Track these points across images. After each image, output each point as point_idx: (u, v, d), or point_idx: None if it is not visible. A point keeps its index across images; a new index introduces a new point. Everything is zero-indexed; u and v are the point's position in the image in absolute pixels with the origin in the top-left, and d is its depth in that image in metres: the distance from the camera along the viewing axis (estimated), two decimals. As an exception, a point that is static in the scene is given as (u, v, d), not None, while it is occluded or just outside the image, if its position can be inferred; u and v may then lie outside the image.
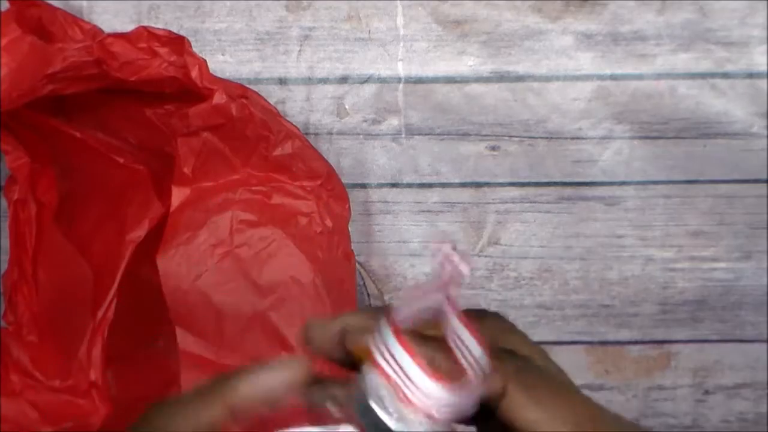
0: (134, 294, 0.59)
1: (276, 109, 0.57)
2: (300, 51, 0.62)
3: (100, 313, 0.58)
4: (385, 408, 0.25)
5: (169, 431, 0.26)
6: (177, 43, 0.53)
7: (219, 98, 0.54)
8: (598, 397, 0.63)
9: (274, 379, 0.27)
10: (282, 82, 0.62)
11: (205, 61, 0.53)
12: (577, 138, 0.62)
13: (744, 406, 0.63)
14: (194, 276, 0.56)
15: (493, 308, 0.63)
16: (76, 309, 0.58)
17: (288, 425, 0.25)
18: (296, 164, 0.57)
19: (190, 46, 0.53)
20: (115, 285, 0.58)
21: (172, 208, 0.55)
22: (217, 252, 0.56)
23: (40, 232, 0.57)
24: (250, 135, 0.55)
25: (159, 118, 0.56)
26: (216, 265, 0.57)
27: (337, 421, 0.26)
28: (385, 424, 0.25)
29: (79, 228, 0.58)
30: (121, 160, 0.58)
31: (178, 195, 0.56)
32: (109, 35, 0.53)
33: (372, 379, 0.26)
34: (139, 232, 0.57)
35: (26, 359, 0.56)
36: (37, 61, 0.50)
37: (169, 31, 0.53)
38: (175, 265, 0.56)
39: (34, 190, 0.57)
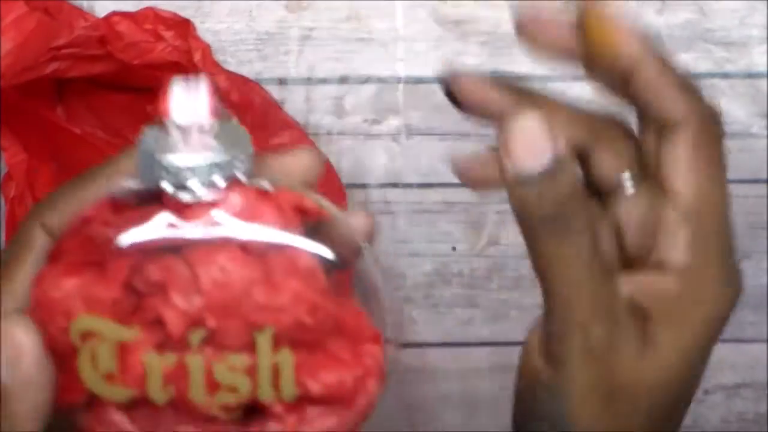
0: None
1: (276, 101, 0.57)
2: (300, 51, 0.62)
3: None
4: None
5: (54, 217, 0.29)
6: (182, 26, 0.53)
7: (221, 83, 0.54)
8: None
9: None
10: (282, 82, 0.62)
11: (209, 46, 0.53)
12: (577, 138, 0.62)
13: (744, 406, 0.63)
14: None
15: (492, 308, 0.63)
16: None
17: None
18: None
19: (195, 30, 0.53)
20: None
21: None
22: None
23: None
24: (250, 122, 0.55)
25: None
26: None
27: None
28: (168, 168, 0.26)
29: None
30: (121, 160, 0.58)
31: None
32: (116, 13, 0.53)
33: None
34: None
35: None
36: (43, 33, 0.50)
37: (176, 13, 0.54)
38: None
39: (32, 187, 0.57)
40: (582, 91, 0.63)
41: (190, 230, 0.26)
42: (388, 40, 0.62)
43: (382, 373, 0.28)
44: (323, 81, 0.62)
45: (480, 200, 0.62)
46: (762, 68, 0.62)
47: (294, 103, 0.62)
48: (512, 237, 0.63)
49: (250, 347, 0.26)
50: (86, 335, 0.26)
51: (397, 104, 0.62)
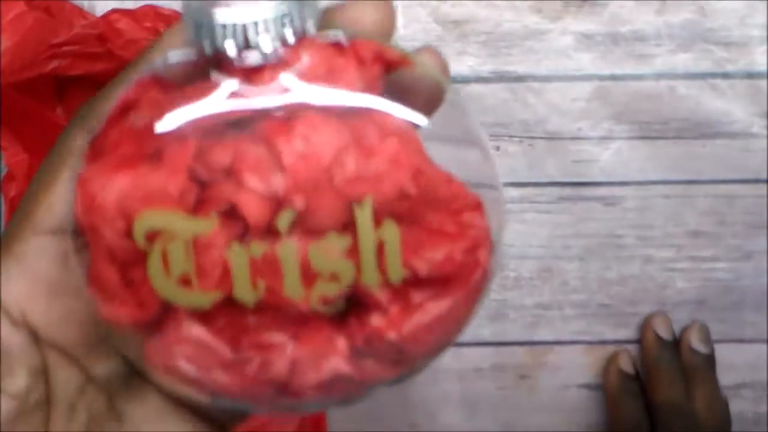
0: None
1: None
2: (300, 51, 0.62)
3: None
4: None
5: (97, 108, 0.24)
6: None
7: None
8: (598, 397, 0.63)
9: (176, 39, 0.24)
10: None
11: None
12: (577, 138, 0.62)
13: (744, 406, 0.63)
14: None
15: (492, 308, 0.63)
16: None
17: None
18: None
19: None
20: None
21: None
22: None
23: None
24: None
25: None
26: None
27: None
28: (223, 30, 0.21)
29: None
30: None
31: None
32: (115, 11, 0.53)
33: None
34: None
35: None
36: (42, 31, 0.50)
37: (176, 10, 0.54)
38: None
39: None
40: (582, 91, 0.63)
41: (260, 99, 0.22)
42: (388, 40, 0.62)
43: (491, 242, 0.23)
44: (323, 81, 0.62)
45: (480, 200, 0.62)
46: (762, 68, 0.62)
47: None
48: (512, 237, 0.63)
49: (349, 227, 0.22)
50: (153, 235, 0.21)
51: (397, 104, 0.62)
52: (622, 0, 0.62)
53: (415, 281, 0.23)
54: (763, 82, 0.62)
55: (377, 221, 0.22)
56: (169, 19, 0.54)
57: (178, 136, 0.22)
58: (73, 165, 0.24)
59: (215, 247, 0.21)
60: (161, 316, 0.22)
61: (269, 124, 0.22)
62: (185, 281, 0.22)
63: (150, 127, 0.22)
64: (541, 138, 0.62)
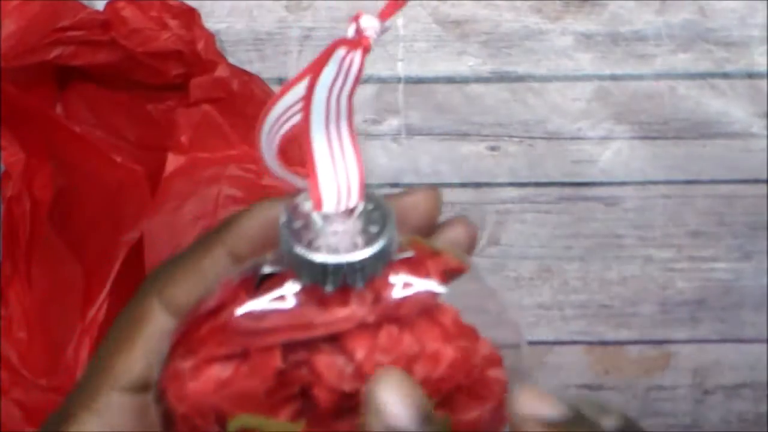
0: (128, 297, 0.59)
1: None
2: (300, 51, 0.62)
3: (90, 314, 0.57)
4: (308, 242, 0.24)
5: (174, 293, 0.27)
6: (188, 15, 0.53)
7: (222, 71, 0.54)
8: (598, 397, 0.63)
9: (270, 213, 0.27)
10: (282, 82, 0.62)
11: (213, 35, 0.53)
12: (577, 138, 0.62)
13: (744, 406, 0.63)
14: (174, 245, 0.56)
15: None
16: (67, 308, 0.58)
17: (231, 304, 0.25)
18: (292, 150, 0.57)
19: (200, 19, 0.54)
20: (108, 287, 0.57)
21: (165, 174, 0.55)
22: (200, 224, 0.56)
23: (33, 229, 0.57)
24: (250, 113, 0.55)
25: (160, 113, 0.57)
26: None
27: (278, 279, 0.25)
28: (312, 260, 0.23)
29: (73, 227, 0.58)
30: (119, 159, 0.58)
31: (173, 162, 0.56)
32: None
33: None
34: (134, 234, 0.57)
35: (15, 356, 0.56)
36: (47, 15, 0.50)
37: (182, 2, 0.54)
38: (158, 232, 0.55)
39: (29, 186, 0.57)
40: (582, 91, 0.63)
41: (348, 319, 0.24)
42: (388, 40, 0.62)
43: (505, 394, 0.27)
44: (323, 81, 0.62)
45: (480, 200, 0.62)
46: (762, 68, 0.62)
47: (294, 103, 0.62)
48: (512, 237, 0.63)
49: None
50: (245, 430, 0.24)
51: (397, 104, 0.62)
52: (622, 0, 0.62)
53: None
54: (763, 82, 0.62)
55: (437, 412, 0.24)
56: (174, 10, 0.54)
57: (267, 344, 0.24)
58: (148, 332, 0.27)
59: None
60: None
61: (352, 337, 0.24)
62: None
63: (239, 330, 0.24)
64: (541, 138, 0.62)
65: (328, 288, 0.23)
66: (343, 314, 0.24)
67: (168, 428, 0.25)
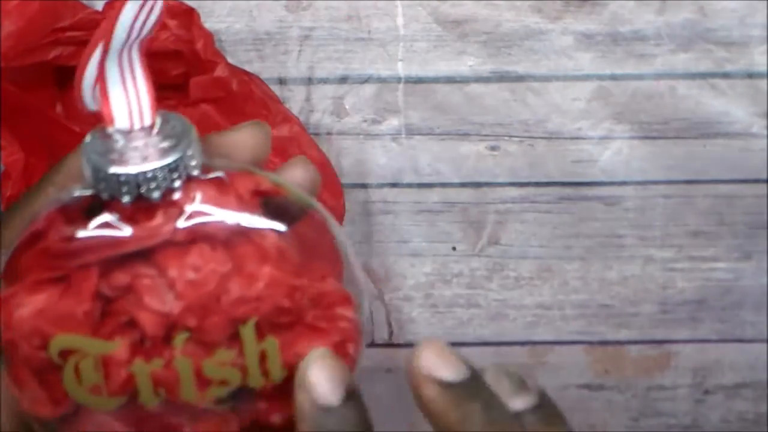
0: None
1: (276, 95, 0.57)
2: (300, 51, 0.62)
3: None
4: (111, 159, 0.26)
5: (6, 236, 0.28)
6: (187, 15, 0.53)
7: (221, 71, 0.54)
8: (598, 397, 0.63)
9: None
10: (282, 82, 0.62)
11: (212, 35, 0.53)
12: (577, 138, 0.62)
13: (744, 406, 0.63)
14: None
15: (492, 308, 0.63)
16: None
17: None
18: (292, 149, 0.57)
19: (200, 19, 0.53)
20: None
21: None
22: None
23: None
24: (249, 113, 0.55)
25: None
26: None
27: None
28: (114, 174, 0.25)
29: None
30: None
31: None
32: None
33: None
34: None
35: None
36: (46, 15, 0.50)
37: (181, 1, 0.54)
38: None
39: (29, 185, 0.57)
40: (582, 91, 0.63)
41: (154, 234, 0.25)
42: (388, 40, 0.62)
43: (359, 333, 0.27)
44: (323, 81, 0.62)
45: (480, 200, 0.62)
46: (762, 68, 0.62)
47: (294, 103, 0.62)
48: (512, 237, 0.63)
49: (235, 340, 0.26)
50: (66, 352, 0.25)
51: (397, 104, 0.62)
52: (623, 0, 0.62)
53: (292, 374, 0.26)
54: (763, 82, 0.62)
55: (260, 335, 0.26)
56: (173, 10, 0.54)
57: (84, 263, 0.25)
58: None
59: (121, 364, 0.25)
60: (76, 409, 0.26)
61: (164, 255, 0.25)
62: (96, 390, 0.26)
63: (58, 255, 0.26)
64: (542, 138, 0.62)
65: (125, 200, 0.25)
66: (149, 228, 0.25)
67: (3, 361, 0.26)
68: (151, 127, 0.26)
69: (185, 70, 0.55)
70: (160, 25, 0.53)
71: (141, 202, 0.25)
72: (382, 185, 0.62)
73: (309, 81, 0.62)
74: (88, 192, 0.26)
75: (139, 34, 0.26)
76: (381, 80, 0.62)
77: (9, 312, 0.26)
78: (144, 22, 0.26)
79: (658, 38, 0.62)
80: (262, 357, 0.26)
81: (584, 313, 0.63)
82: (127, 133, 0.26)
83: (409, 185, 0.62)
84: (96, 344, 0.25)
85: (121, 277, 0.25)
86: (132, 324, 0.25)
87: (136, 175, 0.25)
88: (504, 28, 0.62)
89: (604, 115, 0.62)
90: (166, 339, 0.26)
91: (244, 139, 0.28)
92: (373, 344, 0.64)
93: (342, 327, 0.27)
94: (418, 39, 0.62)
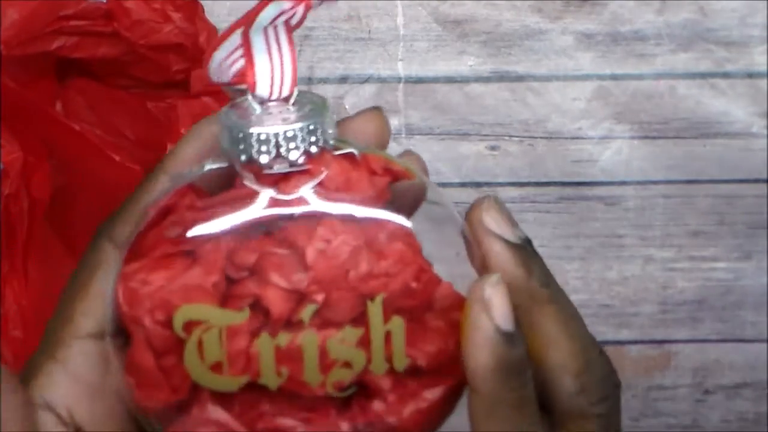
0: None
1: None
2: (300, 51, 0.62)
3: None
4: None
5: (123, 231, 0.27)
6: (191, 7, 0.53)
7: None
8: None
9: (205, 129, 0.28)
10: (282, 81, 0.62)
11: (215, 28, 0.53)
12: (577, 138, 0.62)
13: (744, 406, 0.63)
14: None
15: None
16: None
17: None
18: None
19: (203, 11, 0.53)
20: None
21: None
22: None
23: (31, 227, 0.56)
24: None
25: (161, 111, 0.57)
26: None
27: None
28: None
29: (70, 226, 0.58)
30: (117, 158, 0.58)
31: None
32: None
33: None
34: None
35: (10, 355, 0.56)
36: (49, 4, 0.50)
37: None
38: None
39: (27, 184, 0.57)
40: (583, 91, 0.63)
41: (287, 206, 0.25)
42: (388, 40, 0.62)
43: None
44: (323, 81, 0.62)
45: (480, 200, 0.62)
46: (762, 68, 0.62)
47: (294, 102, 0.62)
48: (512, 237, 0.63)
49: (361, 319, 0.25)
50: (191, 326, 0.24)
51: (397, 104, 0.62)
52: (623, 0, 0.62)
53: (412, 372, 0.25)
54: (763, 82, 0.62)
55: (386, 316, 0.25)
56: (177, 3, 0.54)
57: (211, 237, 0.25)
58: (103, 275, 0.27)
59: (245, 337, 0.24)
60: (188, 400, 0.25)
61: (294, 227, 0.25)
62: (217, 367, 0.24)
63: (186, 230, 0.25)
64: (542, 138, 0.62)
65: (263, 159, 0.24)
66: (285, 192, 0.25)
67: (119, 336, 0.25)
68: (289, 98, 0.26)
69: (187, 66, 0.55)
70: (164, 17, 0.53)
71: (276, 171, 0.25)
72: (382, 185, 0.62)
73: (309, 81, 0.62)
74: (220, 164, 0.26)
75: (285, 18, 0.27)
76: (381, 80, 0.62)
77: (132, 288, 0.25)
78: (291, 16, 0.27)
79: (658, 38, 0.62)
80: (387, 341, 0.25)
81: (584, 313, 0.63)
82: (265, 102, 0.26)
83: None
84: (222, 314, 0.24)
85: (248, 254, 0.25)
86: (258, 303, 0.25)
87: (276, 134, 0.25)
88: (504, 28, 0.62)
89: (604, 115, 0.62)
90: (293, 315, 0.25)
91: (366, 125, 0.28)
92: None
93: (454, 332, 0.26)
94: (418, 39, 0.62)
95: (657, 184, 0.62)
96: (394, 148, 0.27)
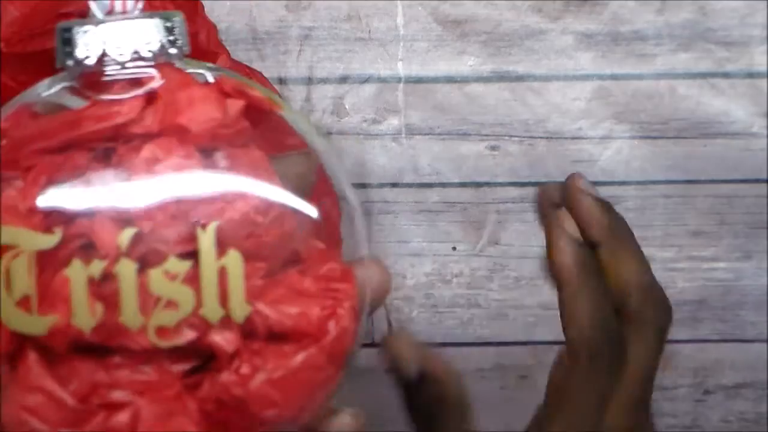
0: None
1: (277, 90, 0.57)
2: (300, 51, 0.62)
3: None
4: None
5: None
6: (191, 6, 0.53)
7: (222, 62, 0.54)
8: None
9: None
10: (282, 81, 0.62)
11: (215, 26, 0.53)
12: (577, 138, 0.62)
13: (744, 406, 0.63)
14: None
15: (492, 308, 0.63)
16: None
17: None
18: (293, 143, 0.57)
19: (203, 10, 0.53)
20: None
21: None
22: None
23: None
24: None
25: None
26: None
27: None
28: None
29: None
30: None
31: None
32: None
33: None
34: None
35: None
36: (52, 3, 0.51)
37: None
38: None
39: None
40: (583, 91, 0.63)
41: (115, 112, 0.22)
42: (388, 40, 0.62)
43: (355, 308, 0.23)
44: (323, 81, 0.62)
45: (480, 200, 0.62)
46: (762, 68, 0.62)
47: (294, 102, 0.62)
48: (512, 237, 0.63)
49: (192, 254, 0.22)
50: (2, 251, 0.22)
51: (397, 104, 0.62)
52: (623, 0, 0.62)
53: (273, 336, 0.22)
54: (763, 82, 0.62)
55: (221, 250, 0.22)
56: (176, 0, 0.54)
57: (34, 159, 0.22)
58: None
59: (57, 264, 0.21)
60: (13, 358, 0.22)
61: (121, 146, 0.22)
62: (25, 303, 0.21)
63: (11, 151, 0.22)
64: (542, 138, 0.62)
65: (87, 59, 0.22)
66: (110, 104, 0.22)
67: None
68: (133, 10, 0.23)
69: None
70: (162, 10, 0.53)
71: (107, 74, 0.22)
72: (382, 185, 0.62)
73: (309, 80, 0.62)
74: (57, 84, 0.24)
75: None
76: (381, 80, 0.62)
77: None
78: None
79: (658, 38, 0.62)
80: (222, 280, 0.22)
81: (584, 313, 0.63)
82: (107, 13, 0.23)
83: (409, 185, 0.62)
84: (32, 237, 0.22)
85: (71, 173, 0.22)
86: (74, 228, 0.22)
87: (102, 31, 0.22)
88: (504, 28, 0.62)
89: (604, 115, 0.62)
90: (110, 241, 0.22)
91: (373, 275, 0.26)
92: (373, 344, 0.63)
93: (335, 296, 0.23)
94: (418, 39, 0.62)
95: (657, 184, 0.62)
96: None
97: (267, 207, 0.22)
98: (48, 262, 0.22)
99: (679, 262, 0.63)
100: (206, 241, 0.21)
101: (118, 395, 0.22)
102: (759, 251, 0.62)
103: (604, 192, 0.63)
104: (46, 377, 0.22)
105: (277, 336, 0.22)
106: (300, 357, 0.23)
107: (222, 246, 0.22)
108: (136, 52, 0.22)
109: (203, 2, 0.61)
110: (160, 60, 0.23)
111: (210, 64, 0.24)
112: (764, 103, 0.62)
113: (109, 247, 0.21)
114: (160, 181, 0.22)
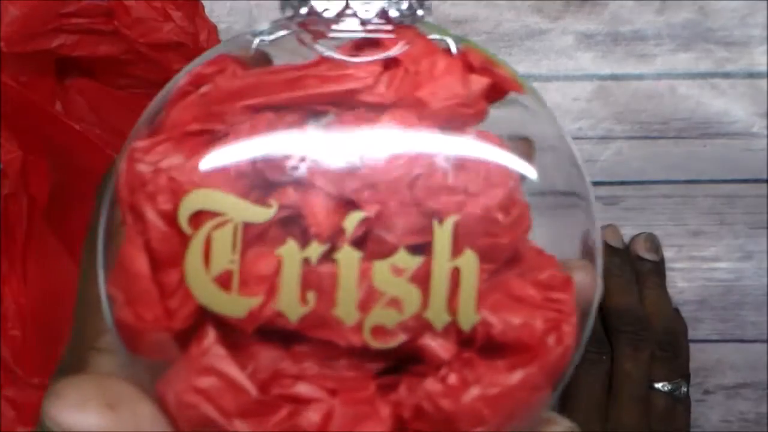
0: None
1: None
2: (300, 50, 0.62)
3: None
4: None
5: None
6: (191, 6, 0.53)
7: None
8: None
9: None
10: (282, 81, 0.61)
11: (215, 26, 0.53)
12: (577, 138, 0.62)
13: (744, 406, 0.63)
14: None
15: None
16: (61, 307, 0.57)
17: None
18: None
19: (204, 10, 0.54)
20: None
21: None
22: None
23: (30, 226, 0.56)
24: None
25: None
26: None
27: None
28: None
29: (69, 225, 0.58)
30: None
31: None
32: None
33: None
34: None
35: (8, 354, 0.56)
36: (52, 4, 0.51)
37: None
38: None
39: (26, 183, 0.57)
40: (582, 91, 0.63)
41: (347, 83, 0.19)
42: (388, 39, 0.62)
43: (575, 324, 0.20)
44: (323, 80, 0.62)
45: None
46: (763, 68, 0.62)
47: (294, 102, 0.62)
48: (512, 237, 0.62)
49: (423, 247, 0.18)
50: (200, 217, 0.18)
51: (397, 104, 0.62)
52: (623, 0, 0.62)
53: (485, 346, 0.19)
54: (763, 82, 0.62)
55: (456, 247, 0.18)
56: (177, 1, 0.54)
57: (249, 117, 0.18)
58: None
59: (268, 242, 0.18)
60: (187, 335, 0.19)
61: (351, 114, 0.18)
62: (225, 279, 0.18)
63: (218, 103, 0.19)
64: (541, 138, 0.62)
65: (327, 12, 0.19)
66: (343, 67, 0.19)
67: (114, 226, 0.19)
68: None
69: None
70: (164, 16, 0.53)
71: (340, 31, 0.19)
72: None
73: (309, 80, 0.62)
74: (276, 33, 0.20)
75: None
76: (381, 80, 0.62)
77: (135, 168, 0.19)
78: None
79: (658, 38, 0.62)
80: (454, 282, 0.18)
81: (584, 313, 0.63)
82: None
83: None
84: (243, 207, 0.18)
85: (291, 143, 0.18)
86: (292, 206, 0.18)
87: None
88: (504, 28, 0.62)
89: (604, 115, 0.62)
90: (334, 225, 0.18)
91: (579, 275, 0.23)
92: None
93: (557, 307, 0.20)
94: (418, 38, 0.62)
95: (657, 184, 0.62)
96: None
97: (510, 204, 0.19)
98: (254, 238, 0.18)
99: (679, 262, 0.62)
100: (443, 236, 0.18)
101: (303, 389, 0.19)
102: (759, 251, 0.62)
103: (604, 192, 0.63)
104: (226, 359, 0.18)
105: (490, 346, 0.19)
106: (518, 374, 0.19)
107: (457, 244, 0.19)
108: (383, 10, 0.19)
109: (203, 2, 0.61)
110: (406, 21, 0.20)
111: (452, 33, 0.21)
112: (764, 103, 0.62)
113: (331, 230, 0.18)
114: (395, 161, 0.18)
